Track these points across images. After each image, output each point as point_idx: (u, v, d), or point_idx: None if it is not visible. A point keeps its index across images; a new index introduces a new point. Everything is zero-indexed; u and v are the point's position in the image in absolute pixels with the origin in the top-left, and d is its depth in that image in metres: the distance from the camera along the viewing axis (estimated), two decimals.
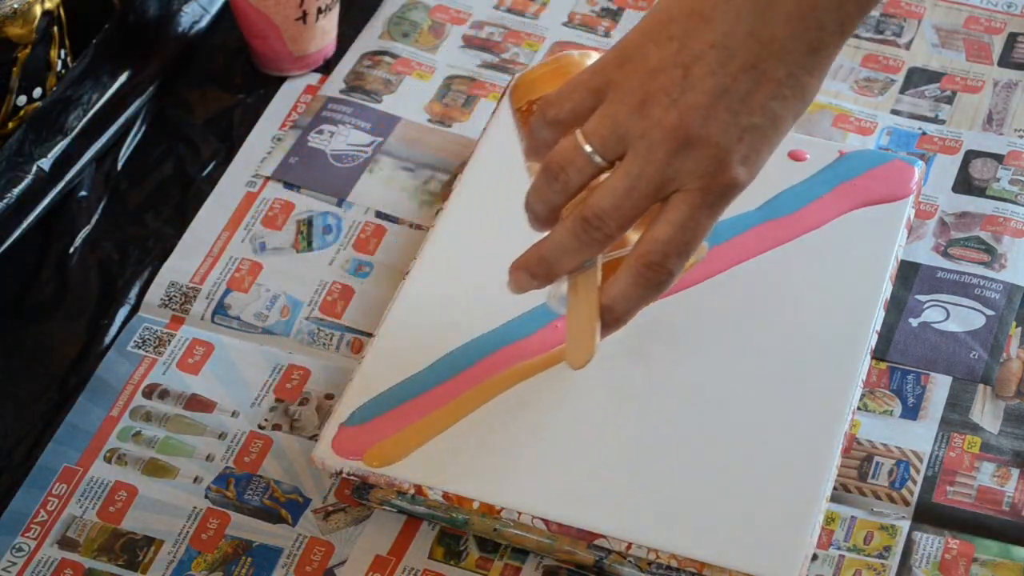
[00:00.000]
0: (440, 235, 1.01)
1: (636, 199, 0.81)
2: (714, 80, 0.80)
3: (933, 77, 1.14)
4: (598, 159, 0.82)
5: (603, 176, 0.83)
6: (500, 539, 0.92)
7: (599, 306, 0.85)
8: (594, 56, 0.89)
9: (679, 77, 0.80)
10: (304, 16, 1.13)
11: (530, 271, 0.86)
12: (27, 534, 0.94)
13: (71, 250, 1.07)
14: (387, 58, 1.17)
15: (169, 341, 1.02)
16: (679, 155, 0.80)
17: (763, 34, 0.80)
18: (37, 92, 1.11)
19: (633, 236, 0.85)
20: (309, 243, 1.07)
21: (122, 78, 1.13)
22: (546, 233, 0.86)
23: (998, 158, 1.09)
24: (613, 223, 0.82)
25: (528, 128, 0.87)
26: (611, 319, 0.85)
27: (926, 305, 1.02)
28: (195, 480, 0.96)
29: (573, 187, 0.83)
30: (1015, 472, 0.94)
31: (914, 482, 0.94)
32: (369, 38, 1.19)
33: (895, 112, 1.13)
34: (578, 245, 0.83)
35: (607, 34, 1.18)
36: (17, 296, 1.05)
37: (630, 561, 0.89)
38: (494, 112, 1.08)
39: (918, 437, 0.96)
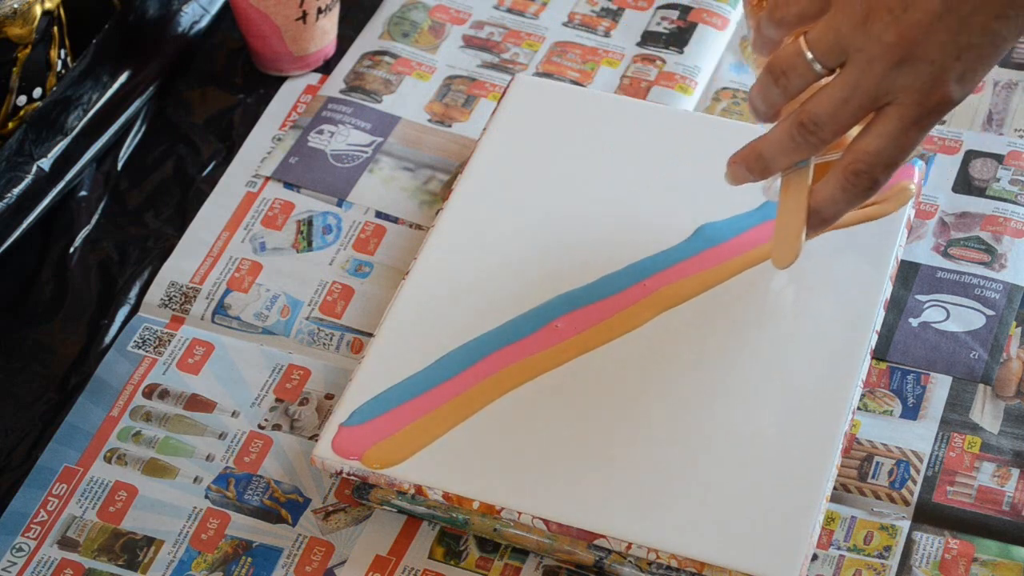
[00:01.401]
0: (440, 235, 1.01)
1: (851, 109, 0.85)
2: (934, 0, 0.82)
3: None
4: (818, 67, 0.86)
5: (823, 81, 0.87)
6: (500, 539, 0.92)
7: (807, 207, 0.90)
8: None
9: None
10: (304, 16, 1.13)
11: (747, 165, 0.91)
12: (27, 534, 0.94)
13: (71, 250, 1.07)
14: (387, 58, 1.17)
15: (169, 341, 1.02)
16: (896, 70, 0.84)
17: None
18: (37, 92, 1.11)
19: (849, 138, 0.89)
20: (309, 243, 1.07)
21: (122, 78, 1.13)
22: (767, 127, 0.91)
23: (998, 158, 1.09)
24: (828, 129, 0.86)
25: (755, 23, 0.91)
26: (817, 221, 0.90)
27: (926, 305, 1.02)
28: (195, 480, 0.96)
29: (793, 90, 0.88)
30: (1015, 472, 0.94)
31: (914, 482, 0.94)
32: (369, 38, 1.19)
33: None
34: (793, 146, 0.88)
35: (607, 34, 1.18)
36: (17, 296, 1.05)
37: (630, 561, 0.89)
38: (494, 112, 1.08)
39: (918, 437, 0.96)
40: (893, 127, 0.85)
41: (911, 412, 0.97)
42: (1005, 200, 1.07)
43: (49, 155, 1.08)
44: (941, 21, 0.82)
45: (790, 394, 0.93)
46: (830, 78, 0.87)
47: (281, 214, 1.08)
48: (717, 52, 1.16)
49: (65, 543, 0.93)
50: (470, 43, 1.18)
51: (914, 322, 1.01)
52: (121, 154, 1.13)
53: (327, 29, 1.15)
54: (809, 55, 0.86)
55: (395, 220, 1.08)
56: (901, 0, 0.83)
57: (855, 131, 0.88)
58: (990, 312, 1.01)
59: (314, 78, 1.16)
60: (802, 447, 0.91)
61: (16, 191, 1.05)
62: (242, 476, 0.96)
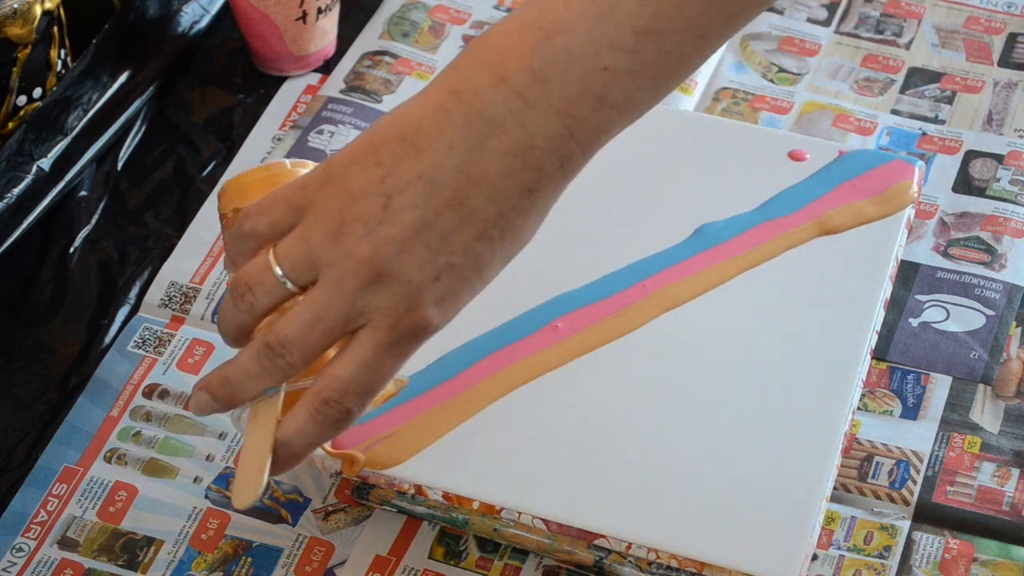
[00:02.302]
0: None
1: (321, 330, 0.76)
2: (415, 214, 0.75)
3: (933, 77, 1.14)
4: (288, 283, 0.77)
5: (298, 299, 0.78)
6: (500, 539, 0.92)
7: (274, 440, 0.78)
8: (310, 167, 0.83)
9: (379, 206, 0.75)
10: (304, 16, 1.13)
11: (212, 393, 0.79)
12: (27, 534, 0.94)
13: (71, 250, 1.07)
14: (387, 58, 1.17)
15: (169, 341, 1.02)
16: (369, 289, 0.75)
17: (474, 170, 0.75)
18: (37, 92, 1.11)
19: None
20: None
21: (122, 78, 1.13)
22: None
23: (998, 158, 1.09)
24: (296, 352, 0.77)
25: (227, 238, 0.82)
26: (286, 455, 0.78)
27: (926, 305, 1.02)
28: (195, 480, 0.96)
29: (260, 309, 0.78)
30: (1015, 472, 0.94)
31: (914, 482, 0.94)
32: (369, 38, 1.19)
33: (895, 112, 1.13)
34: (261, 371, 0.78)
35: None
36: (17, 296, 1.05)
37: (630, 561, 0.89)
38: None
39: (918, 437, 0.96)
40: (366, 352, 0.76)
41: (911, 412, 0.97)
42: (1005, 200, 1.07)
43: (49, 155, 1.08)
44: (418, 237, 0.75)
45: (790, 394, 0.93)
46: (301, 298, 0.77)
47: None
48: (717, 52, 1.16)
49: (65, 543, 0.93)
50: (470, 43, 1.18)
51: (914, 322, 1.01)
52: (121, 154, 1.13)
53: (327, 29, 1.15)
54: (278, 270, 0.77)
55: None
56: (377, 213, 0.75)
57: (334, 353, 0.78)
58: (990, 312, 1.01)
59: (314, 78, 1.17)
60: (802, 447, 0.91)
61: (16, 191, 1.05)
62: None
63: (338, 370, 0.77)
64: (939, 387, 0.98)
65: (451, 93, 0.76)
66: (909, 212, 1.01)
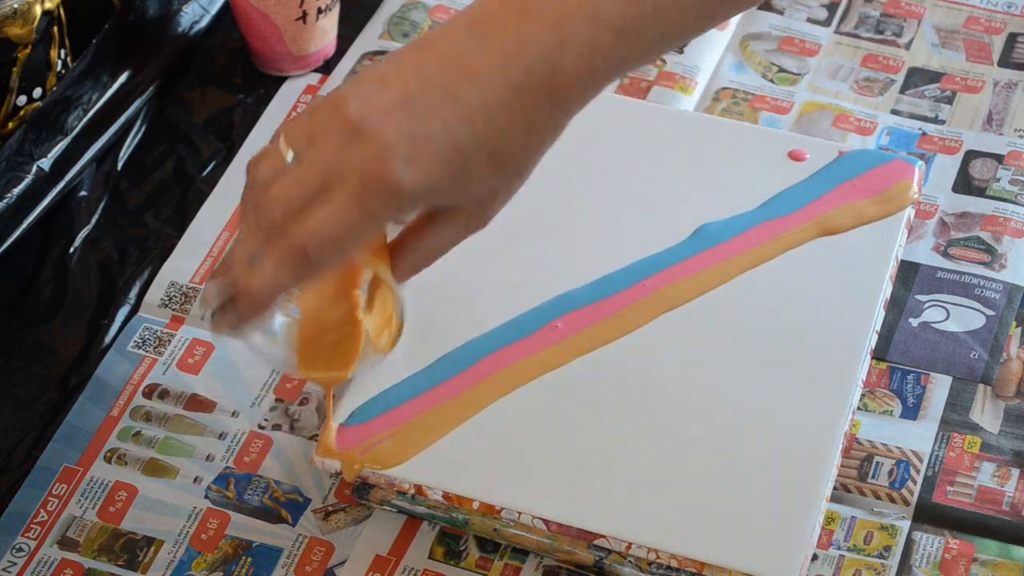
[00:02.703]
0: None
1: (300, 185, 0.82)
2: (403, 87, 0.81)
3: (933, 77, 1.14)
4: (291, 156, 0.83)
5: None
6: (500, 539, 0.92)
7: (242, 292, 0.84)
8: None
9: (376, 84, 0.82)
10: (304, 16, 1.13)
11: (225, 279, 0.85)
12: (27, 534, 0.94)
13: (71, 250, 1.07)
14: None
15: (169, 341, 1.02)
16: (348, 147, 0.81)
17: (467, 63, 0.81)
18: (37, 92, 1.11)
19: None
20: None
21: (122, 78, 1.13)
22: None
23: (998, 158, 1.09)
24: (277, 208, 0.82)
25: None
26: (247, 303, 0.85)
27: (926, 305, 1.02)
28: (195, 480, 0.96)
29: (262, 179, 0.84)
30: (1015, 472, 0.94)
31: (914, 482, 0.94)
32: (369, 38, 1.19)
33: (895, 112, 1.13)
34: (251, 231, 0.84)
35: None
36: (17, 296, 1.05)
37: (630, 561, 0.89)
38: None
39: (918, 437, 0.96)
40: (336, 204, 0.81)
41: (911, 412, 0.97)
42: (1005, 200, 1.07)
43: (49, 155, 1.08)
44: (402, 105, 0.81)
45: (790, 394, 0.93)
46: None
47: None
48: (717, 52, 1.16)
49: (65, 543, 0.93)
50: None
51: (914, 322, 1.01)
52: (121, 154, 1.13)
53: (327, 29, 1.15)
54: (282, 139, 0.84)
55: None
56: (374, 90, 0.82)
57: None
58: (990, 312, 1.01)
59: (314, 78, 1.17)
60: (802, 447, 0.91)
61: (16, 191, 1.05)
62: (242, 476, 0.96)
63: (307, 216, 0.82)
64: (939, 387, 0.98)
65: (460, 12, 0.83)
66: (909, 212, 1.01)
